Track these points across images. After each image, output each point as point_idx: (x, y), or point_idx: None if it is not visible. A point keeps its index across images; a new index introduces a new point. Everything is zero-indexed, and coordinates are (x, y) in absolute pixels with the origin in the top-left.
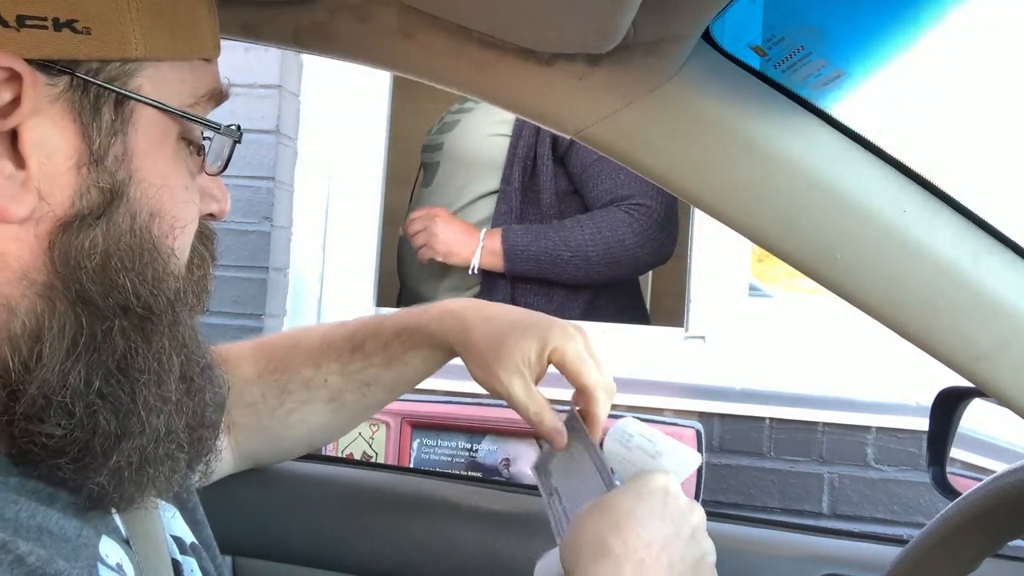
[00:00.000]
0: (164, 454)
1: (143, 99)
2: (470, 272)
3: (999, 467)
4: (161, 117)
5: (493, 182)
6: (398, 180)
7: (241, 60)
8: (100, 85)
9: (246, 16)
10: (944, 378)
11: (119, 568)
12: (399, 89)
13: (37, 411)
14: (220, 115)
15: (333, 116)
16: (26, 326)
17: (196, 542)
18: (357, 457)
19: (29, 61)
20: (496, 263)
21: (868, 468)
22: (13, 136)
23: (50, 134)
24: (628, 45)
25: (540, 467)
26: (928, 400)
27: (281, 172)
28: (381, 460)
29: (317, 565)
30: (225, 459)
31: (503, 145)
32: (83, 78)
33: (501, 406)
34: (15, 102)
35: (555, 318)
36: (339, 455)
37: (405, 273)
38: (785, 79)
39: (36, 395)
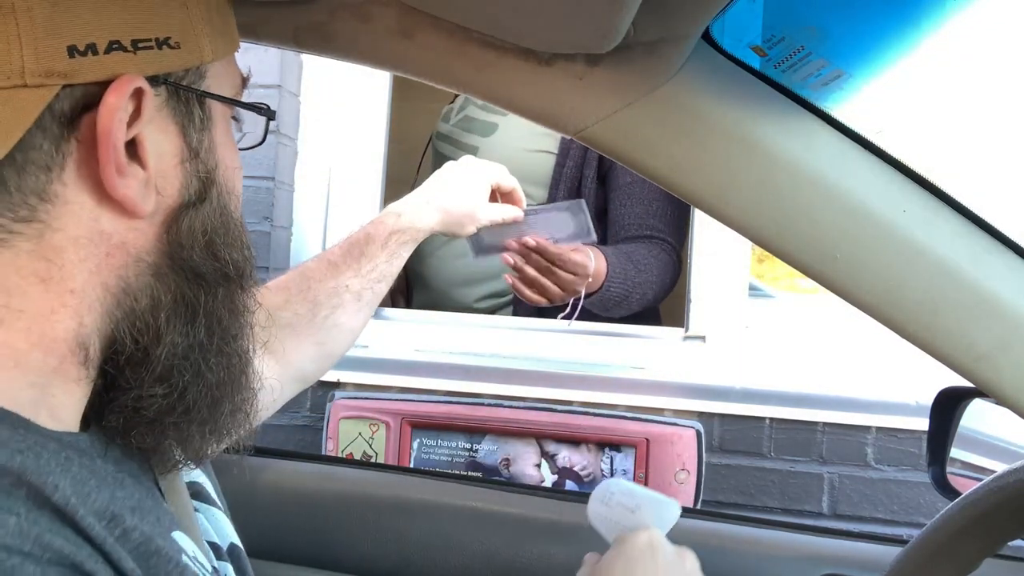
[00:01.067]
0: (242, 405)
1: (216, 96)
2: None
3: (999, 467)
4: (223, 108)
5: (532, 199)
6: (398, 180)
7: (241, 60)
8: (189, 89)
9: (246, 16)
10: (944, 378)
11: (195, 559)
12: (399, 89)
13: (163, 374)
14: None
15: (333, 116)
16: (145, 302)
17: (236, 543)
18: (357, 457)
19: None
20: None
21: (868, 468)
22: (132, 144)
23: (160, 138)
24: (628, 45)
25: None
26: (928, 400)
27: (281, 172)
28: (381, 460)
29: (317, 565)
30: (275, 388)
31: (548, 162)
32: (177, 85)
33: (501, 406)
34: (136, 114)
35: (476, 165)
36: (339, 455)
37: (432, 276)
38: (785, 79)
39: (163, 361)
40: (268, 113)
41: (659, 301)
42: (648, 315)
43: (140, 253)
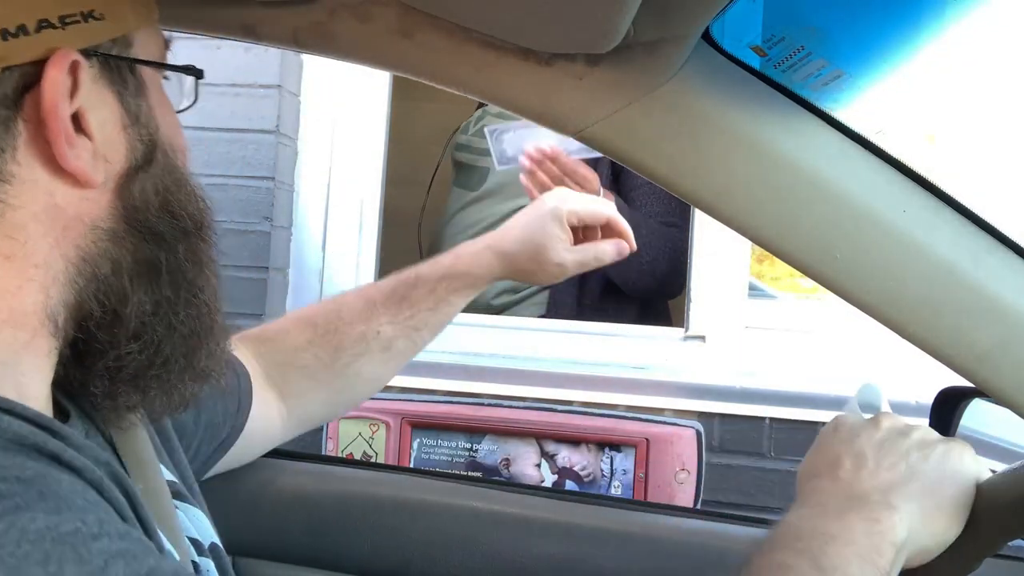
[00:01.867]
0: (217, 348)
1: (145, 62)
2: None
3: (999, 467)
4: (153, 73)
5: None
6: (398, 180)
7: (241, 60)
8: (119, 58)
9: (246, 16)
10: (944, 378)
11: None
12: (399, 89)
13: (136, 332)
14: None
15: (333, 116)
16: (106, 267)
17: (217, 542)
18: (357, 457)
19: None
20: None
21: None
22: (75, 117)
23: (100, 108)
24: (628, 45)
25: None
26: (928, 400)
27: (281, 172)
28: (381, 460)
29: (317, 565)
30: (274, 426)
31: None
32: (108, 55)
33: (501, 406)
34: (75, 87)
35: (543, 199)
36: (339, 455)
37: None
38: (785, 79)
39: (133, 319)
40: (195, 73)
41: (666, 280)
42: (658, 313)
43: (95, 221)
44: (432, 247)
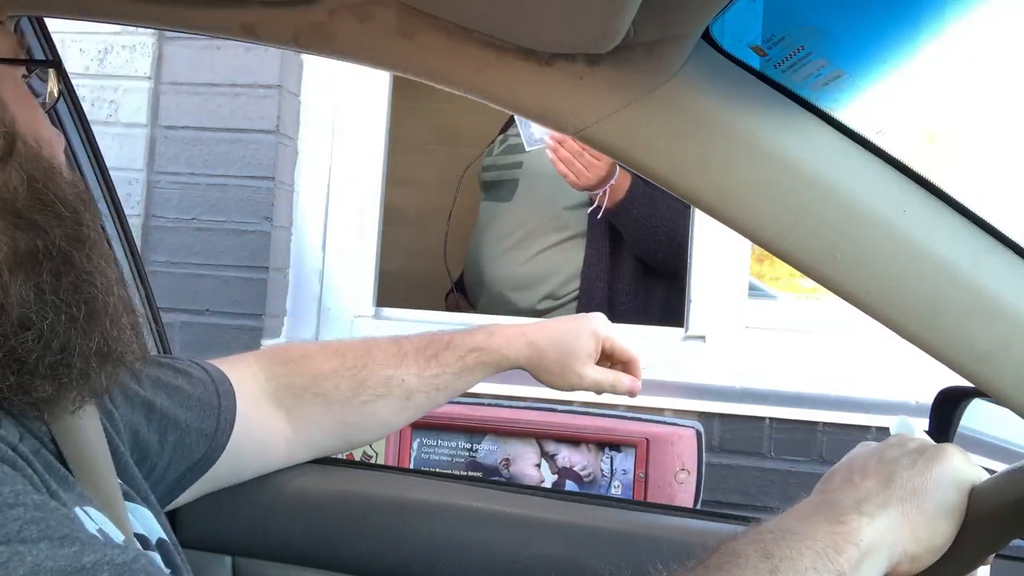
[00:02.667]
0: (124, 327)
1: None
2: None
3: (999, 467)
4: (7, 69)
5: (576, 193)
6: (398, 180)
7: (241, 60)
8: None
9: (246, 16)
10: (944, 378)
11: (100, 531)
12: (399, 89)
13: (23, 321)
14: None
15: (333, 116)
16: None
17: (165, 538)
18: (357, 457)
19: None
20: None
21: None
22: None
23: None
24: (628, 45)
25: None
26: (928, 400)
27: (281, 172)
28: (381, 460)
29: (317, 565)
30: (276, 447)
31: None
32: None
33: (501, 406)
34: None
35: (588, 316)
36: (339, 455)
37: (492, 282)
38: (785, 79)
39: (18, 308)
40: (51, 64)
41: (683, 250)
42: (682, 289)
43: None
44: (470, 258)
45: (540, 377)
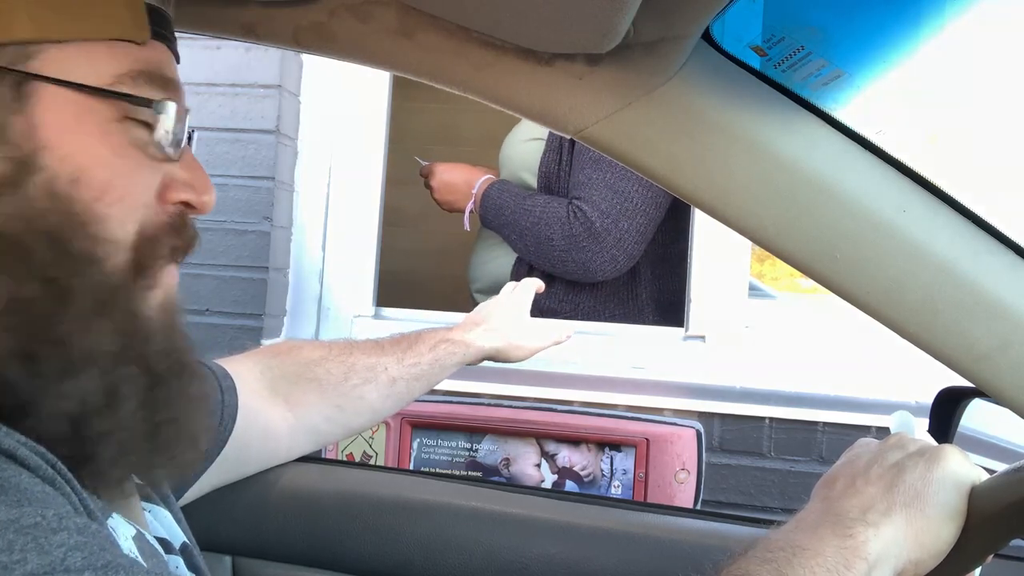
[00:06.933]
0: (107, 437)
1: (41, 76)
2: (465, 227)
3: (999, 467)
4: (75, 93)
5: (527, 186)
6: (398, 180)
7: (241, 60)
8: None
9: (246, 16)
10: (944, 378)
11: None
12: (399, 89)
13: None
14: (220, 114)
15: (333, 116)
16: None
17: (187, 542)
18: (357, 457)
19: None
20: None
21: None
22: None
23: None
24: (628, 45)
25: None
26: (928, 400)
27: (281, 172)
28: (381, 460)
29: (317, 565)
30: (278, 437)
31: (538, 149)
32: None
33: (501, 406)
34: None
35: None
36: (339, 455)
37: (469, 277)
38: (785, 79)
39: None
40: (160, 108)
41: (569, 267)
42: (673, 312)
43: None
44: (472, 276)
45: (506, 359)
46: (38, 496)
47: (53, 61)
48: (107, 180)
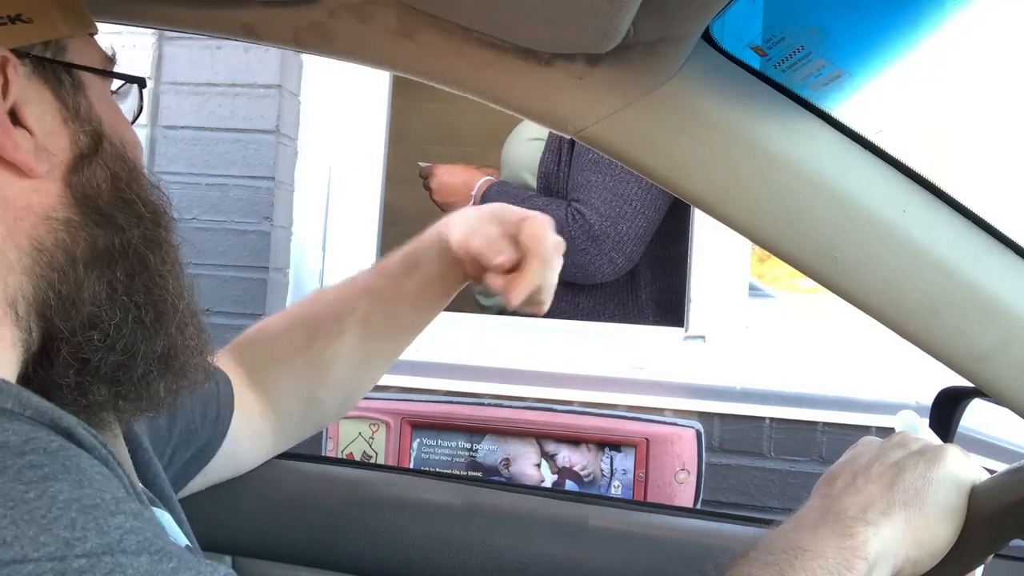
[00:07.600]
0: (190, 341)
1: (79, 65)
2: None
3: (999, 467)
4: (94, 77)
5: (528, 186)
6: (398, 180)
7: (241, 60)
8: (50, 60)
9: (246, 16)
10: (944, 378)
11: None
12: (399, 89)
13: (92, 320)
14: (220, 114)
15: (333, 116)
16: (60, 256)
17: (190, 545)
18: (357, 457)
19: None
20: None
21: None
22: (13, 114)
23: (37, 103)
24: (628, 45)
25: None
26: (928, 400)
27: (281, 172)
28: (381, 460)
29: (317, 565)
30: (264, 432)
31: (538, 149)
32: (39, 56)
33: (501, 406)
34: (6, 86)
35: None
36: (339, 455)
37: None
38: (785, 79)
39: (89, 306)
40: (138, 80)
41: (567, 269)
42: (673, 311)
43: (47, 211)
44: None
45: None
46: (97, 478)
47: (78, 52)
48: (133, 139)
